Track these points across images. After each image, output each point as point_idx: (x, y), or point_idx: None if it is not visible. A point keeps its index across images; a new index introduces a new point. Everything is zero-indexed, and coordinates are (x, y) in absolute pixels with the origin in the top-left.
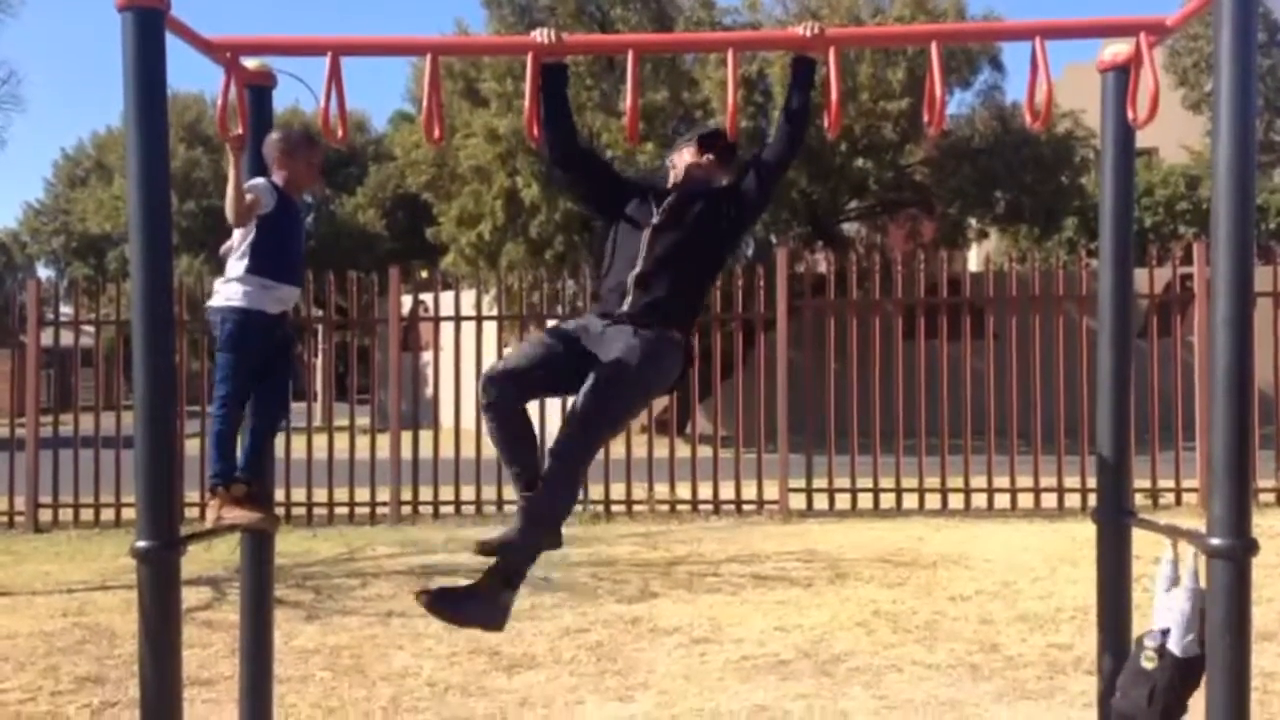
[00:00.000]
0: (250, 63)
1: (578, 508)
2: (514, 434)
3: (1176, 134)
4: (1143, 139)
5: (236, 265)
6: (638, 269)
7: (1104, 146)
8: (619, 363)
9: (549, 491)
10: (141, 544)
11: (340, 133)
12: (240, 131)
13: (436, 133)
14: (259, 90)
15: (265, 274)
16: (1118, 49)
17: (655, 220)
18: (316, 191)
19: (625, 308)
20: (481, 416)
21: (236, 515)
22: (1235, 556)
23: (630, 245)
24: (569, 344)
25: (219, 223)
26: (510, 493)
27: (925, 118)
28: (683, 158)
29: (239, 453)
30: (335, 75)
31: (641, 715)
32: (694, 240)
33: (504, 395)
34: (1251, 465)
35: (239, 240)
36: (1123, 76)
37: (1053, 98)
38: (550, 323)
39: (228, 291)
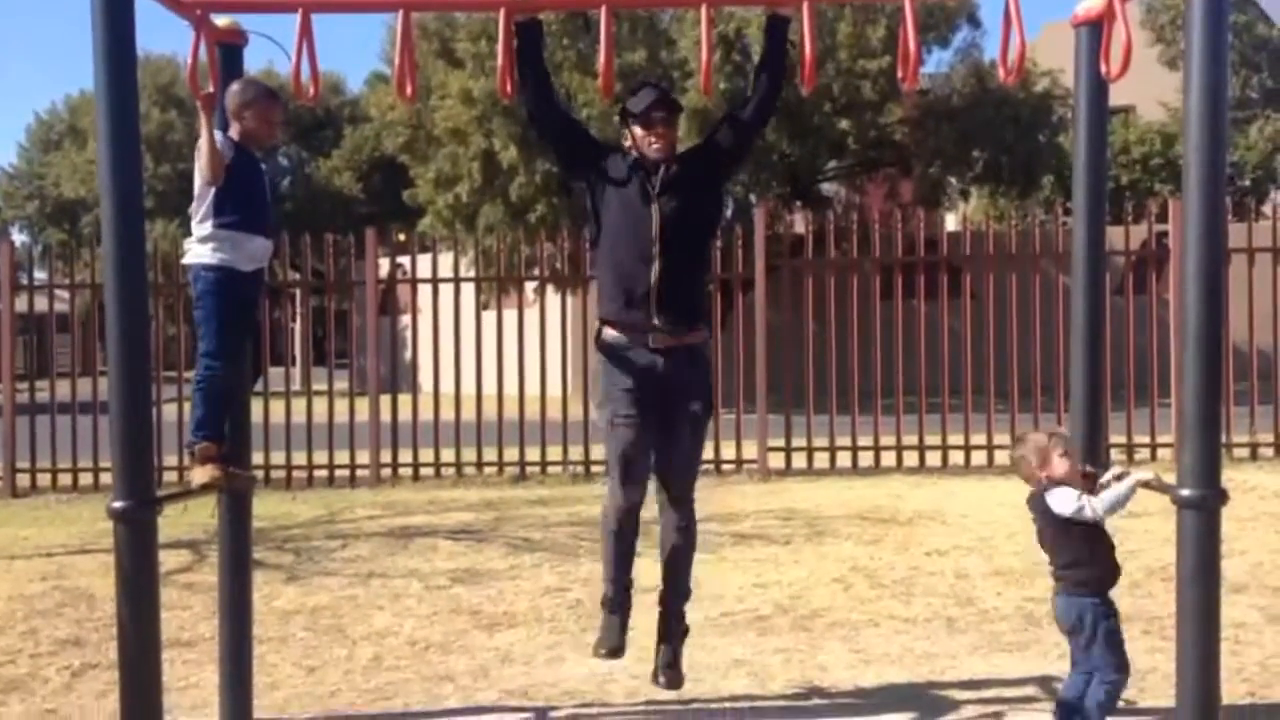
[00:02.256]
0: (221, 20)
1: (558, 469)
2: (629, 551)
3: (1154, 91)
4: (1120, 96)
5: (205, 222)
6: (657, 270)
7: (1078, 100)
8: (704, 405)
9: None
10: (118, 504)
11: (312, 91)
12: (211, 90)
13: (409, 90)
14: (230, 49)
15: (234, 227)
16: (1091, 3)
17: (657, 204)
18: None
19: (661, 322)
20: (607, 539)
21: (209, 472)
22: (1205, 506)
23: (634, 224)
24: (646, 410)
25: (192, 186)
26: (491, 454)
27: (899, 73)
28: (648, 138)
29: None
30: (306, 32)
31: (620, 671)
32: (697, 213)
33: (633, 516)
34: (1228, 419)
35: (203, 199)
36: (1096, 31)
37: (1027, 53)
38: (529, 285)
39: (199, 249)
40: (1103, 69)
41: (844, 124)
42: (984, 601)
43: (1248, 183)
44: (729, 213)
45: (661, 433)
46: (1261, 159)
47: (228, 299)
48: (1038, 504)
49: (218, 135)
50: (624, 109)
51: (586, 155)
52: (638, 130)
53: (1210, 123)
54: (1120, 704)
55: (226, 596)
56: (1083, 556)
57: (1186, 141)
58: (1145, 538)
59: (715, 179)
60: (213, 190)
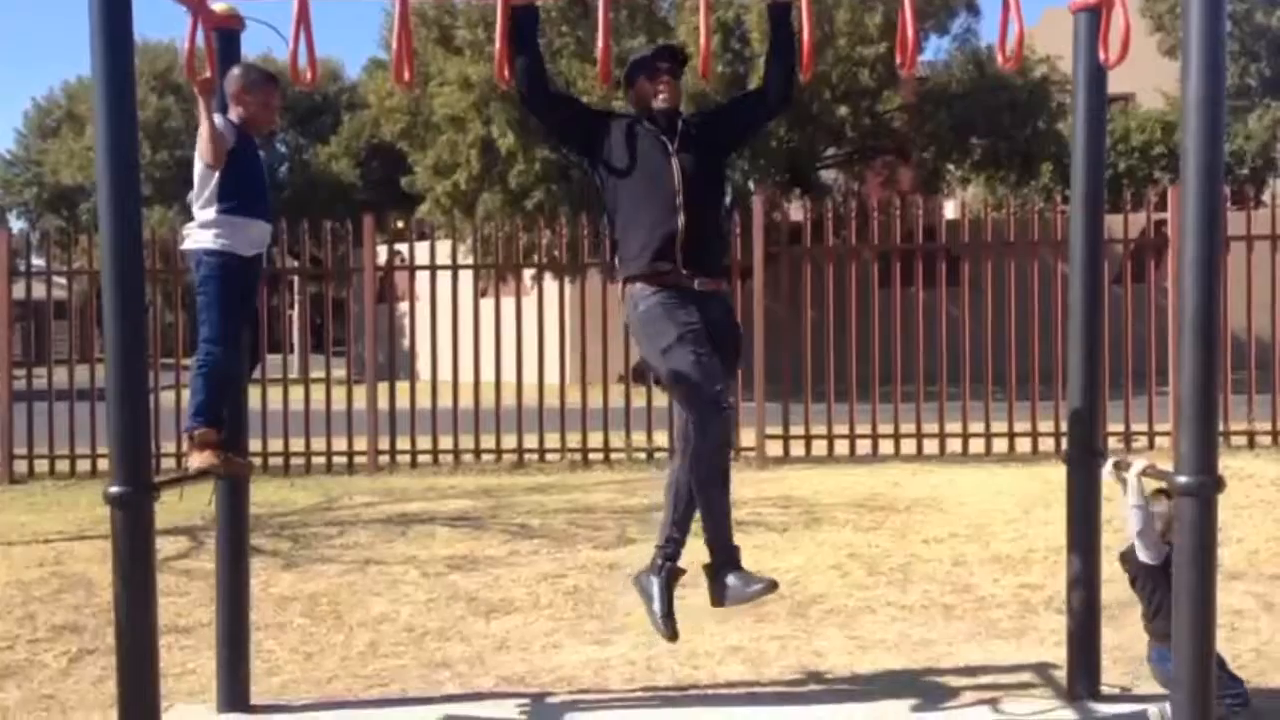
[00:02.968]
0: (218, 6)
1: (556, 456)
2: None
3: (1153, 80)
4: (1119, 84)
5: (207, 208)
6: (683, 219)
7: (1076, 87)
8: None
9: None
10: (115, 490)
11: (309, 77)
12: (208, 75)
13: (407, 76)
14: (227, 34)
15: (236, 212)
16: None
17: (676, 157)
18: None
19: (692, 270)
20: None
21: (207, 458)
22: (1202, 493)
23: (655, 179)
24: (705, 333)
25: (191, 173)
26: (489, 441)
27: (898, 59)
28: (654, 88)
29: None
30: (304, 17)
31: (618, 658)
32: (713, 169)
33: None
34: (1225, 407)
35: (204, 184)
36: (1095, 17)
37: (1025, 39)
38: (528, 272)
39: (200, 235)
40: (1101, 56)
41: (842, 111)
42: (981, 588)
43: (1247, 171)
44: (728, 200)
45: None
46: (1260, 148)
47: (229, 284)
48: (1130, 556)
49: (219, 118)
50: (628, 70)
51: (589, 127)
52: (644, 82)
53: (1208, 110)
54: (1115, 690)
55: (224, 583)
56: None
57: (1185, 129)
58: None
59: (724, 145)
60: (215, 175)
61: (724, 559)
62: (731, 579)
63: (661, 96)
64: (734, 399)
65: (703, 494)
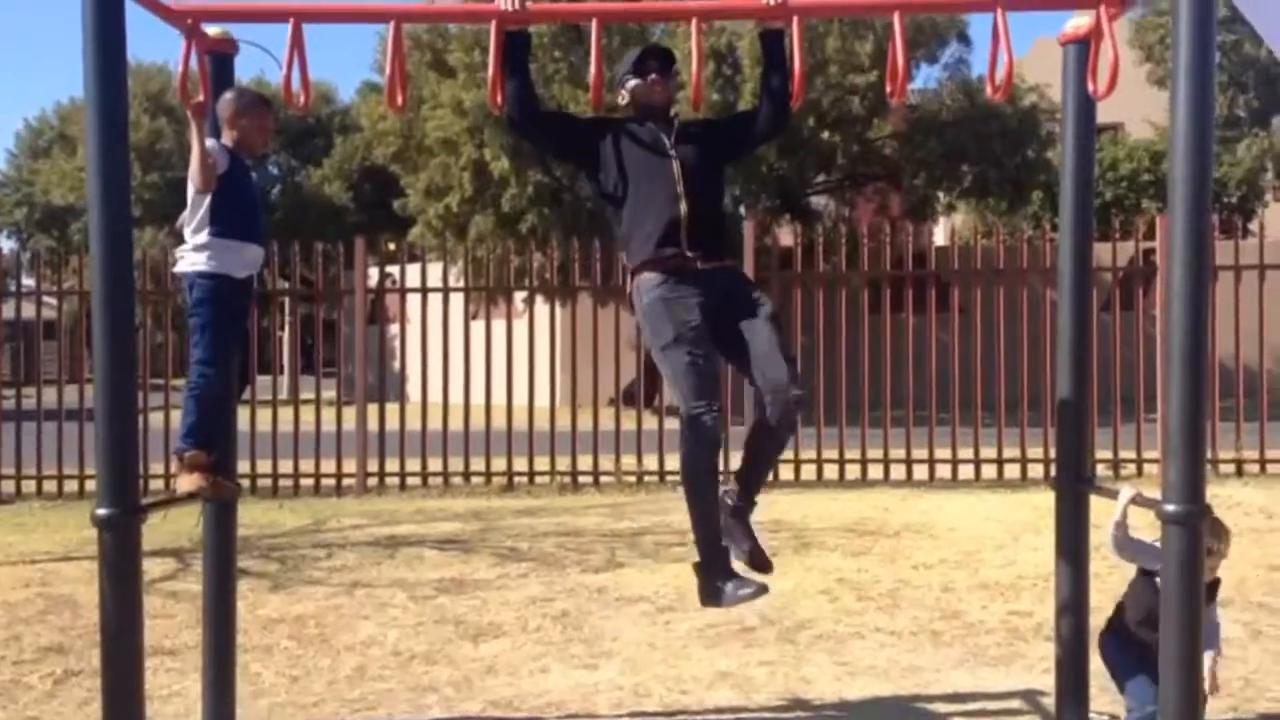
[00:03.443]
0: (211, 29)
1: (546, 479)
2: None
3: (1142, 109)
4: (1109, 114)
5: (200, 231)
6: (685, 207)
7: (1065, 117)
8: (770, 303)
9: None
10: (102, 511)
11: (302, 100)
12: (202, 99)
13: (399, 100)
14: (221, 57)
15: (229, 235)
16: (1079, 22)
17: (675, 152)
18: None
19: (696, 253)
20: (700, 490)
21: (196, 481)
22: (1189, 522)
23: (655, 172)
24: (711, 337)
25: (183, 195)
26: (478, 464)
27: (888, 87)
28: (646, 88)
29: (195, 419)
30: (297, 42)
31: (606, 683)
32: (711, 166)
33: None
34: (1214, 435)
35: (197, 207)
36: (1084, 49)
37: (1014, 69)
38: (519, 295)
39: (194, 257)
40: (1090, 87)
41: (833, 137)
42: (970, 615)
43: (1235, 201)
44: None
45: (736, 345)
46: (1249, 177)
47: (222, 306)
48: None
49: (213, 141)
50: (620, 75)
51: (585, 134)
52: (637, 85)
53: (1196, 140)
54: (1104, 717)
55: (210, 605)
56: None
57: (1172, 158)
58: None
59: (718, 153)
60: (207, 198)
61: (718, 561)
62: (723, 581)
63: (657, 91)
64: (797, 364)
65: (691, 495)
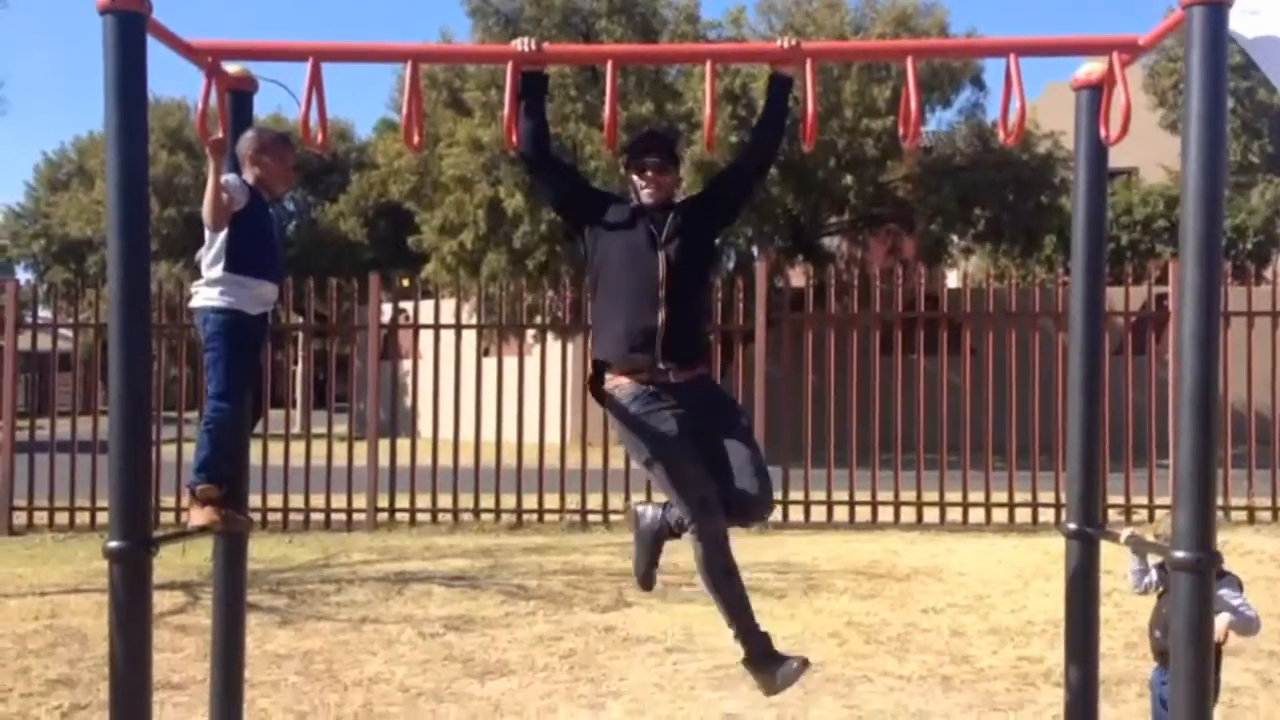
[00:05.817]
0: (231, 67)
1: (555, 518)
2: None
3: (1156, 154)
4: (1123, 159)
5: (215, 267)
6: (664, 314)
7: (1077, 162)
8: (745, 415)
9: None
10: (114, 544)
11: (320, 138)
12: (221, 136)
13: (416, 139)
14: (240, 95)
15: (243, 272)
16: (1092, 67)
17: (664, 250)
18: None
19: (667, 364)
20: (721, 583)
21: (208, 515)
22: (1199, 569)
23: (640, 270)
24: (690, 444)
25: (200, 229)
26: (488, 501)
27: (900, 131)
28: (641, 182)
29: (209, 453)
30: (316, 81)
31: None
32: (700, 261)
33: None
34: (1225, 481)
35: (213, 242)
36: (1097, 94)
37: (1027, 114)
38: (530, 333)
39: (208, 293)
40: (1102, 133)
41: (847, 180)
42: (979, 660)
43: (1249, 247)
44: (730, 265)
45: (715, 458)
46: (1262, 224)
47: (236, 341)
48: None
49: (233, 178)
50: (623, 157)
51: (584, 202)
52: (633, 175)
53: (1208, 185)
54: None
55: (219, 639)
56: None
57: (1184, 204)
58: (1144, 601)
59: (713, 229)
60: (224, 234)
61: (760, 649)
62: (775, 666)
63: (646, 191)
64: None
65: (716, 592)
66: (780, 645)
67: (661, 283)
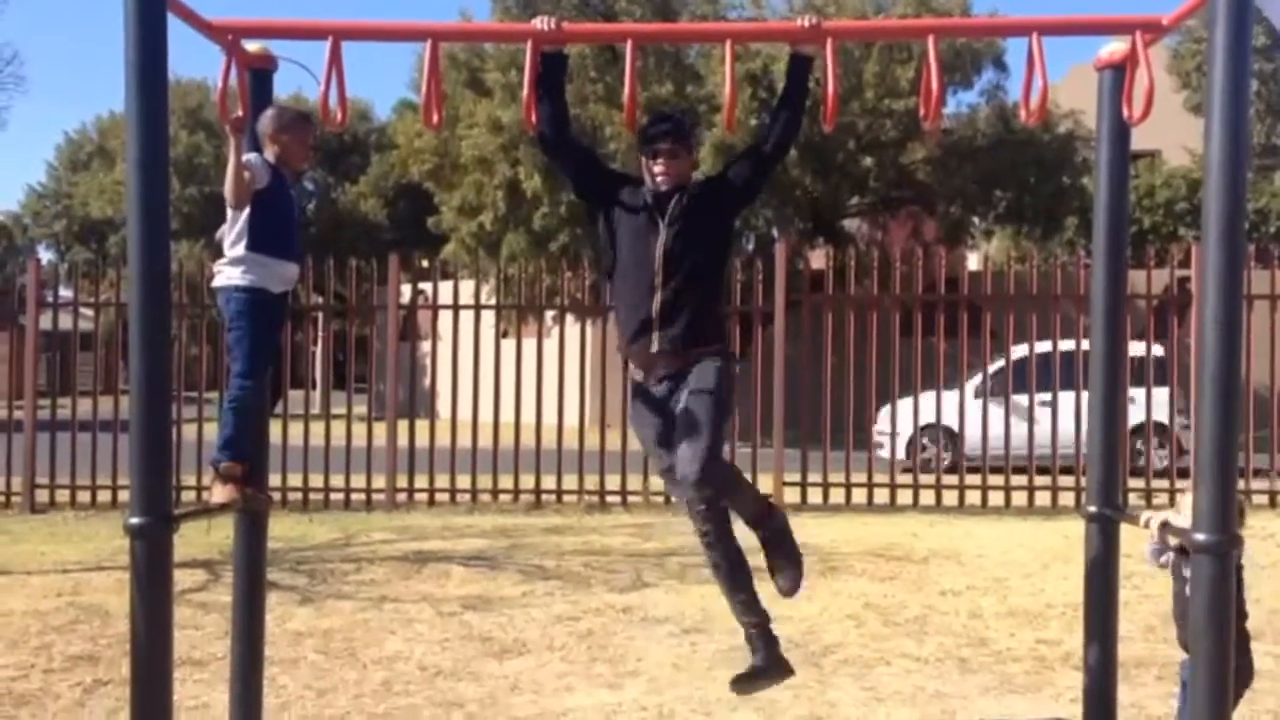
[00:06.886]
0: (251, 46)
1: (573, 498)
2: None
3: (1179, 136)
4: (1145, 141)
5: (236, 245)
6: (659, 300)
7: (1099, 142)
8: (713, 383)
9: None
10: (135, 520)
11: (340, 117)
12: (240, 114)
13: (435, 118)
14: (260, 73)
15: (265, 251)
16: (1115, 47)
17: (664, 234)
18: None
19: (663, 351)
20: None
21: (229, 492)
22: (1220, 551)
23: (640, 254)
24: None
25: (220, 208)
26: (506, 482)
27: (921, 112)
28: (651, 167)
29: (233, 431)
30: (336, 59)
31: (630, 702)
32: (704, 244)
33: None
34: (1246, 464)
35: (235, 221)
36: (1119, 74)
37: (1049, 95)
38: (549, 314)
39: (231, 272)
40: (1125, 113)
41: (867, 161)
42: (997, 642)
43: (1272, 230)
44: (750, 247)
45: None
46: None
47: (259, 320)
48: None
49: (255, 157)
50: (637, 140)
51: (601, 183)
52: (645, 159)
53: (1230, 166)
54: None
55: (239, 617)
56: None
57: (1206, 186)
58: (1163, 584)
59: (727, 210)
60: (245, 213)
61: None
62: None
63: (657, 175)
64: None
65: (726, 574)
66: (795, 629)
67: (658, 269)
